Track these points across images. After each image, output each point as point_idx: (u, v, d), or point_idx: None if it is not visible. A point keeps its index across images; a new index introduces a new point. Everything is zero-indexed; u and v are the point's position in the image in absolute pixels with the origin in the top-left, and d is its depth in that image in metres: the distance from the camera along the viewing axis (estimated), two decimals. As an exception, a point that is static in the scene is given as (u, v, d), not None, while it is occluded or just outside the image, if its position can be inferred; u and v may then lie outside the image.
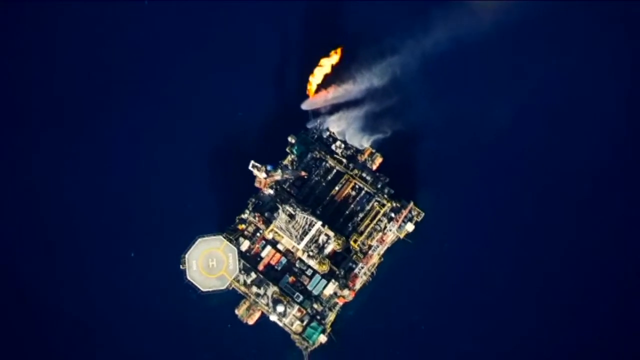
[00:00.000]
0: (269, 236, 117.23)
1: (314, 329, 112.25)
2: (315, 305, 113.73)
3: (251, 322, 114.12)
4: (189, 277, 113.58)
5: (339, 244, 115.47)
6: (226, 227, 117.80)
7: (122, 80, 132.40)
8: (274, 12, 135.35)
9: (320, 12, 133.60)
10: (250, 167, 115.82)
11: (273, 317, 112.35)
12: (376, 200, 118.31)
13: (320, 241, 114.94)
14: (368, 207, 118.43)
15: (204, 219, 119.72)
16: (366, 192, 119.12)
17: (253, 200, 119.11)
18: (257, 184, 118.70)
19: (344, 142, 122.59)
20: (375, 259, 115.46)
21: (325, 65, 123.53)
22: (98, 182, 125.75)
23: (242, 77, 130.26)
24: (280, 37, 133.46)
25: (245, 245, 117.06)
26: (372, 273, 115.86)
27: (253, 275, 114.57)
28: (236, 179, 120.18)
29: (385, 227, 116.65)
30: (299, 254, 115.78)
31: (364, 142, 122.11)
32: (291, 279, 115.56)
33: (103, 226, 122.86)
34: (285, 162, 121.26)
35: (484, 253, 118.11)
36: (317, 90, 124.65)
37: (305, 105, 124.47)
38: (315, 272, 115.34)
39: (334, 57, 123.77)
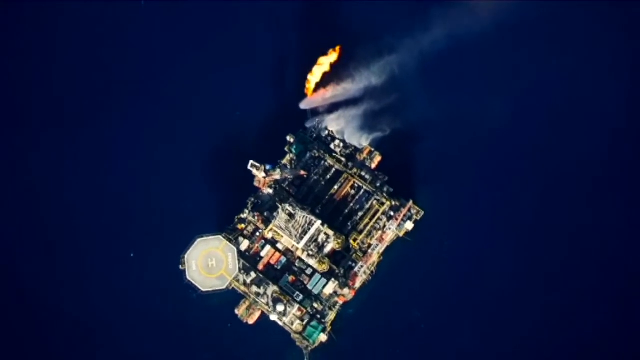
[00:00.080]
0: (269, 235, 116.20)
1: (315, 328, 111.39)
2: (315, 304, 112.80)
3: (251, 321, 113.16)
4: (188, 277, 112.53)
5: (338, 243, 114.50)
6: (225, 227, 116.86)
7: (120, 80, 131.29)
8: (271, 12, 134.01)
9: (318, 11, 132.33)
10: (249, 167, 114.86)
11: (273, 317, 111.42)
12: (375, 199, 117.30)
13: (319, 240, 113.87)
14: (367, 206, 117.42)
15: (203, 219, 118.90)
16: (365, 190, 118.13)
17: (252, 199, 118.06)
18: (256, 184, 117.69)
19: (343, 140, 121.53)
20: (375, 257, 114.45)
21: (324, 64, 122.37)
22: (97, 183, 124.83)
23: (240, 77, 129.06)
24: (278, 36, 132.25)
25: (244, 244, 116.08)
26: (372, 272, 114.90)
27: (253, 274, 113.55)
28: (235, 179, 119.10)
29: (384, 226, 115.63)
30: (299, 253, 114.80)
31: (362, 141, 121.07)
32: (291, 278, 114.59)
33: (102, 226, 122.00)
34: (284, 161, 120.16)
35: (483, 251, 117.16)
36: (316, 89, 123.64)
37: (303, 104, 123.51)
38: (315, 271, 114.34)
39: (333, 56, 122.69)
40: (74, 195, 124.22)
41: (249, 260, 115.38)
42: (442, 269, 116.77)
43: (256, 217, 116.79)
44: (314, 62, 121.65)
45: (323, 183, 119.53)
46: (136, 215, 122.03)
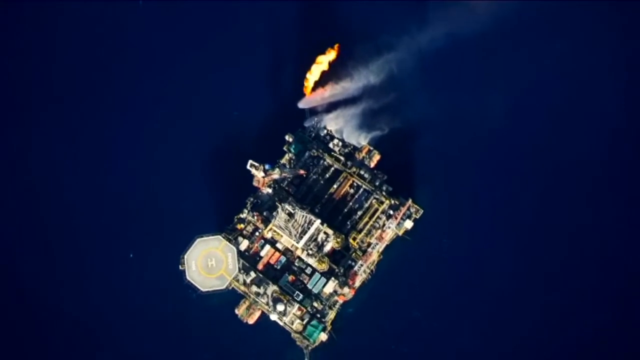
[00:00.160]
0: (268, 235, 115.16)
1: (315, 327, 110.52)
2: (315, 304, 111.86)
3: (251, 321, 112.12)
4: (188, 278, 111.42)
5: (338, 242, 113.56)
6: (225, 227, 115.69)
7: (118, 81, 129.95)
8: (269, 11, 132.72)
9: (316, 10, 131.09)
10: (248, 167, 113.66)
11: (273, 316, 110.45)
12: (374, 198, 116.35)
13: (319, 239, 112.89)
14: (366, 205, 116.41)
15: (202, 219, 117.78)
16: (364, 189, 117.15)
17: (251, 199, 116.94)
18: (255, 183, 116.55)
19: (342, 139, 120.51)
20: (374, 256, 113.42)
21: (323, 63, 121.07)
22: (95, 183, 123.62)
23: (239, 77, 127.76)
24: (276, 36, 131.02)
25: (244, 244, 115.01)
26: (372, 270, 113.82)
27: (252, 274, 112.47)
28: (234, 179, 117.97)
29: (384, 225, 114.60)
30: (298, 252, 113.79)
31: (361, 140, 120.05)
32: (291, 277, 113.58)
33: (101, 226, 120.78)
34: (283, 160, 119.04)
35: (483, 249, 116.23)
36: (314, 88, 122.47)
37: (302, 104, 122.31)
38: (314, 270, 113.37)
39: (331, 54, 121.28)
40: (73, 195, 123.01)
41: (248, 260, 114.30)
42: (442, 267, 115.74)
43: (255, 217, 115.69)
44: (312, 61, 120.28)
45: (322, 182, 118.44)
46: (135, 215, 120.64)
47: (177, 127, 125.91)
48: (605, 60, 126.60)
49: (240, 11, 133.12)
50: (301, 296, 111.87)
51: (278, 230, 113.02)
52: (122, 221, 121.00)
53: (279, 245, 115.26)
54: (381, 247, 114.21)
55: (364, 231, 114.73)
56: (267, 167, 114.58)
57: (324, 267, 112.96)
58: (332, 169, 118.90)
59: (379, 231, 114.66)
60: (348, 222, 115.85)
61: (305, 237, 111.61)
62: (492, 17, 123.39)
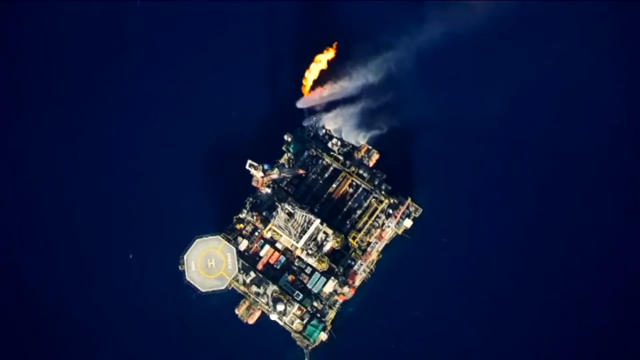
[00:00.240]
0: (268, 235, 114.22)
1: (315, 327, 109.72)
2: (315, 303, 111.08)
3: (251, 321, 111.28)
4: (188, 278, 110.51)
5: (337, 242, 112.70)
6: (224, 227, 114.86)
7: (116, 82, 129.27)
8: (267, 10, 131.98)
9: (314, 9, 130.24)
10: (247, 167, 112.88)
11: (273, 316, 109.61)
12: (374, 197, 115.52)
13: (319, 239, 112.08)
14: (366, 204, 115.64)
15: (201, 219, 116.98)
16: (363, 189, 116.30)
17: (250, 199, 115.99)
18: (254, 183, 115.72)
19: (341, 139, 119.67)
20: (374, 255, 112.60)
21: (321, 61, 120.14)
22: (95, 184, 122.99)
23: (237, 76, 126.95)
24: (274, 35, 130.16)
25: (243, 244, 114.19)
26: (371, 270, 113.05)
27: (252, 274, 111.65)
28: (233, 179, 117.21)
29: (383, 224, 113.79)
30: (298, 252, 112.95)
31: (360, 139, 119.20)
32: (290, 277, 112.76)
33: (101, 227, 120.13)
34: (282, 160, 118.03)
35: (482, 248, 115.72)
36: (313, 88, 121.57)
37: (300, 103, 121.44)
38: (314, 270, 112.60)
39: (330, 53, 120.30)
40: (73, 195, 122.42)
41: (248, 260, 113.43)
42: (441, 266, 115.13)
43: (255, 217, 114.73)
44: (310, 60, 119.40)
45: (321, 182, 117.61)
46: (135, 216, 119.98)
47: (175, 127, 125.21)
48: (604, 59, 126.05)
49: (238, 11, 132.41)
50: (301, 296, 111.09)
51: (277, 230, 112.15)
52: (121, 221, 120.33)
53: (278, 245, 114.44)
54: (381, 246, 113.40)
55: (364, 230, 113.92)
56: (266, 167, 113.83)
57: (323, 266, 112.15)
58: (331, 168, 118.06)
59: (379, 230, 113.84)
60: (347, 222, 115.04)
61: (305, 237, 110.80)
62: (491, 16, 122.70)
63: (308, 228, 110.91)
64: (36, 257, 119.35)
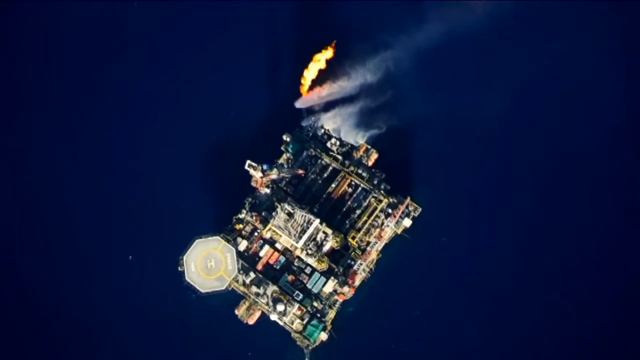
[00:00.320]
0: (267, 235, 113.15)
1: (315, 327, 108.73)
2: (315, 303, 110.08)
3: (251, 322, 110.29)
4: (187, 279, 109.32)
5: (337, 241, 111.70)
6: (223, 228, 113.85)
7: (114, 82, 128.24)
8: (265, 10, 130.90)
9: (313, 9, 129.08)
10: (246, 167, 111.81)
11: (273, 317, 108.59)
12: (373, 197, 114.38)
13: (318, 239, 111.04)
14: (365, 204, 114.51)
15: (201, 220, 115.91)
16: (363, 188, 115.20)
17: (250, 199, 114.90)
18: (253, 184, 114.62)
19: (339, 139, 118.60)
20: (373, 255, 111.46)
21: (320, 60, 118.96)
22: (94, 185, 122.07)
23: (236, 77, 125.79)
24: (272, 35, 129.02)
25: (243, 245, 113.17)
26: (371, 269, 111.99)
27: (252, 275, 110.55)
28: (232, 179, 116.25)
29: (382, 223, 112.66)
30: (298, 252, 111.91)
31: (359, 139, 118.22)
32: (290, 277, 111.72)
33: (100, 227, 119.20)
34: (281, 160, 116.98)
35: (482, 247, 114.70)
36: (311, 87, 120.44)
37: (299, 103, 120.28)
38: (314, 270, 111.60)
39: (328, 52, 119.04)
40: (72, 195, 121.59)
41: (247, 260, 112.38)
42: (441, 265, 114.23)
43: (254, 217, 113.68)
44: (308, 60, 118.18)
45: (320, 182, 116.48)
46: (134, 217, 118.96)
47: (174, 128, 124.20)
48: (603, 59, 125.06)
49: (236, 11, 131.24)
50: (301, 296, 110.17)
51: (277, 230, 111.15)
52: (121, 222, 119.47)
53: (278, 245, 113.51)
54: (380, 245, 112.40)
55: (363, 230, 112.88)
56: (265, 167, 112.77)
57: (323, 266, 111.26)
58: (330, 168, 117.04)
59: (378, 230, 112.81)
60: (347, 221, 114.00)
61: (305, 237, 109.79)
62: (490, 16, 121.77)
63: (307, 228, 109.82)
64: (36, 257, 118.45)
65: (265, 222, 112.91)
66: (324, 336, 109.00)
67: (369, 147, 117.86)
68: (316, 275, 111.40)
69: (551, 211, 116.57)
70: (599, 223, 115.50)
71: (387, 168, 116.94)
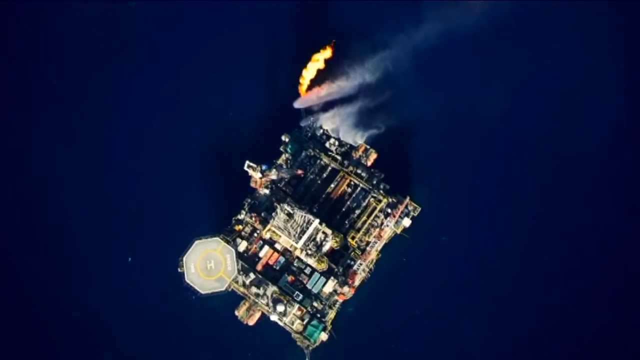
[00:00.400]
0: (267, 236, 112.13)
1: (315, 327, 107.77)
2: (315, 304, 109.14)
3: (251, 322, 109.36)
4: (187, 280, 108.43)
5: (336, 242, 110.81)
6: (223, 229, 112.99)
7: (113, 83, 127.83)
8: (263, 10, 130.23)
9: (311, 9, 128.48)
10: (245, 168, 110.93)
11: (273, 317, 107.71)
12: (372, 197, 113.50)
13: (318, 239, 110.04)
14: (364, 204, 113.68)
15: (200, 221, 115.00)
16: (362, 188, 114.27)
17: (249, 200, 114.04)
18: (252, 184, 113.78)
19: (338, 139, 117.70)
20: (373, 255, 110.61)
21: (319, 60, 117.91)
22: (94, 184, 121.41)
23: (234, 77, 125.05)
24: (271, 35, 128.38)
25: (242, 245, 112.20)
26: (371, 269, 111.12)
27: (252, 275, 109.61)
28: (231, 180, 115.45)
29: (382, 223, 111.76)
30: (297, 252, 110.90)
31: (358, 139, 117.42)
32: (290, 278, 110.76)
33: (100, 228, 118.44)
34: (280, 161, 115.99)
35: (482, 247, 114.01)
36: (310, 88, 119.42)
37: (297, 104, 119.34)
38: (314, 270, 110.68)
39: (327, 52, 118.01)
40: (72, 195, 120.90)
41: (247, 261, 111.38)
42: (441, 265, 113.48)
43: (253, 218, 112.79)
44: (307, 61, 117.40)
45: (319, 182, 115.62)
46: (133, 218, 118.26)
47: (173, 128, 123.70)
48: (602, 58, 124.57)
49: (235, 11, 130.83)
50: (301, 296, 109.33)
51: (277, 231, 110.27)
52: (120, 223, 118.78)
53: (277, 246, 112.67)
54: (380, 245, 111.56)
55: (363, 230, 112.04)
56: (264, 167, 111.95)
57: (323, 266, 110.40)
58: (329, 168, 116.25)
59: (378, 230, 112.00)
60: (346, 221, 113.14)
61: (304, 237, 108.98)
62: (488, 16, 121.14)
63: (307, 228, 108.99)
64: (36, 258, 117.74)
65: (264, 222, 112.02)
66: (324, 336, 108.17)
67: (368, 147, 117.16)
68: (316, 275, 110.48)
69: (551, 211, 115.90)
70: (599, 223, 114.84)
71: (386, 168, 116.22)
